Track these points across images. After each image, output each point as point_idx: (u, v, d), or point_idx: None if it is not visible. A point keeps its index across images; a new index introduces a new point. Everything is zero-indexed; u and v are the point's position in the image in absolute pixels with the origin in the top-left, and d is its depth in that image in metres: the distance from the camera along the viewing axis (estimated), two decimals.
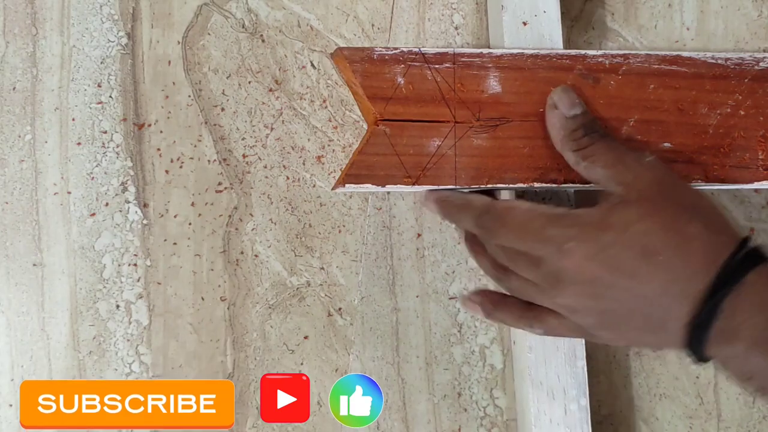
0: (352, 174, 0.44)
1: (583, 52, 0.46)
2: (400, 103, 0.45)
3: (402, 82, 0.45)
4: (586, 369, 0.46)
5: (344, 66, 0.45)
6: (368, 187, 0.44)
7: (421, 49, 0.45)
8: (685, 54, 0.47)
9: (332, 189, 0.49)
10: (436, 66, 0.45)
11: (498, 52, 0.46)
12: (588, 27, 0.54)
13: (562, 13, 0.48)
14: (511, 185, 0.45)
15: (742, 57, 0.48)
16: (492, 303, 0.43)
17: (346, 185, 0.44)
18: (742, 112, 0.48)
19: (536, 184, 0.45)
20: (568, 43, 0.53)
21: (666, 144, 0.47)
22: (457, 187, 0.45)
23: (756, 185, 0.48)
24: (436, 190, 0.45)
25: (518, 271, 0.41)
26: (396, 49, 0.45)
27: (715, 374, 0.53)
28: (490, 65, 0.46)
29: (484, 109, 0.45)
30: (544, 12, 0.48)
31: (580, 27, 0.53)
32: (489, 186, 0.45)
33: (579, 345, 0.47)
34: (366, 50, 0.45)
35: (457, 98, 0.45)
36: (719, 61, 0.47)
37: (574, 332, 0.40)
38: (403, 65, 0.45)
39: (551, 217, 0.39)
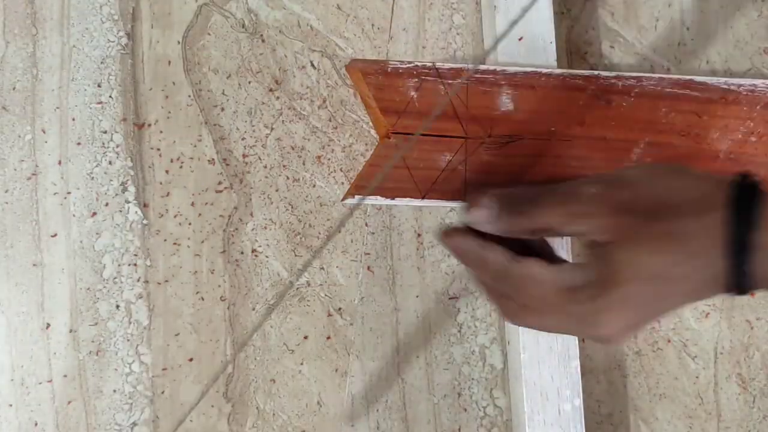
0: (362, 186, 0.44)
1: (596, 72, 0.46)
2: (412, 117, 0.44)
3: (415, 95, 0.45)
4: (579, 369, 0.46)
5: (358, 78, 0.45)
6: (377, 200, 0.44)
7: (435, 63, 0.45)
8: (698, 79, 0.47)
9: (341, 201, 0.49)
10: (450, 81, 0.45)
11: (512, 69, 0.46)
12: (588, 27, 0.54)
13: (562, 13, 0.48)
14: None
15: (755, 84, 0.48)
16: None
17: (356, 196, 0.44)
18: (754, 139, 0.48)
19: None
20: (567, 42, 0.53)
21: None
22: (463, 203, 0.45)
23: None
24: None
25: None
26: (410, 62, 0.45)
27: (715, 374, 0.53)
28: (503, 82, 0.45)
29: (496, 126, 0.45)
30: (536, 12, 0.48)
31: (580, 27, 0.53)
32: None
33: (573, 345, 0.47)
34: (380, 63, 0.45)
35: (469, 114, 0.45)
36: (732, 87, 0.47)
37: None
38: (416, 79, 0.45)
39: (570, 292, 0.36)
